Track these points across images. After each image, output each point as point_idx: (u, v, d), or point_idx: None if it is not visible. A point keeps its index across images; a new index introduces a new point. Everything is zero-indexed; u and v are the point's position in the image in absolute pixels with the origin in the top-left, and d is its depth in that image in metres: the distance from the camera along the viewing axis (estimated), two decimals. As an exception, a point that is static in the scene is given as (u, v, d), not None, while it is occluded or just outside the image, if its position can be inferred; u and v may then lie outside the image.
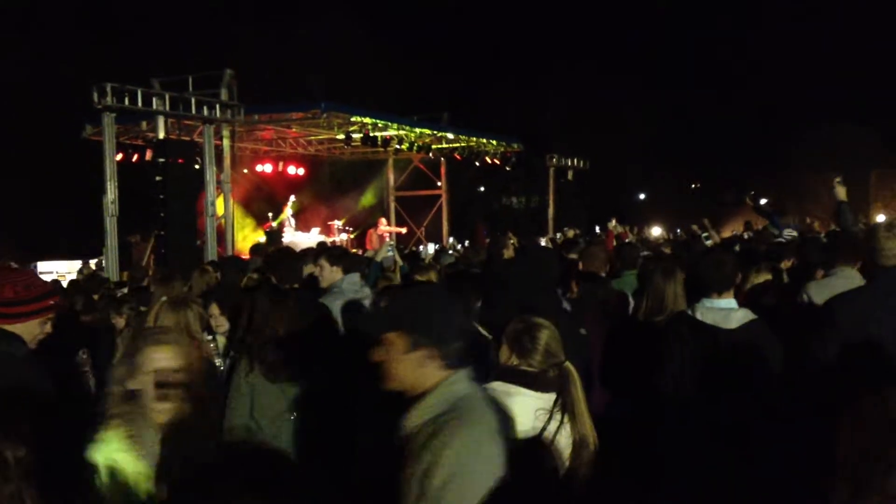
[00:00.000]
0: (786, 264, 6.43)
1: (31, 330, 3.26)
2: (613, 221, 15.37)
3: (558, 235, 15.38)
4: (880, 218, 21.01)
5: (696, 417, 3.76)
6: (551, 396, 3.17)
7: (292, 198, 21.67)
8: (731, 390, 3.67)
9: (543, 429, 3.12)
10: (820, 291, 4.66)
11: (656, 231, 24.85)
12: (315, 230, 21.66)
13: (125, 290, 8.52)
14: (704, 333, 3.84)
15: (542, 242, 14.40)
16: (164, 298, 4.63)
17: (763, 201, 11.08)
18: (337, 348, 4.44)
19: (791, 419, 3.50)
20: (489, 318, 4.47)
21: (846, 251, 4.85)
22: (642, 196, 38.65)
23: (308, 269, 6.39)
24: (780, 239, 9.25)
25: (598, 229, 18.77)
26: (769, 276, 5.54)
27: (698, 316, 3.88)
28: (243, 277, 6.74)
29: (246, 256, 16.45)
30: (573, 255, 6.96)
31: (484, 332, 4.30)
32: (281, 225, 20.67)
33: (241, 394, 3.96)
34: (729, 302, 3.87)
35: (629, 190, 36.83)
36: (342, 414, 3.88)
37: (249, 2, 29.55)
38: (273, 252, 7.04)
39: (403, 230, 24.36)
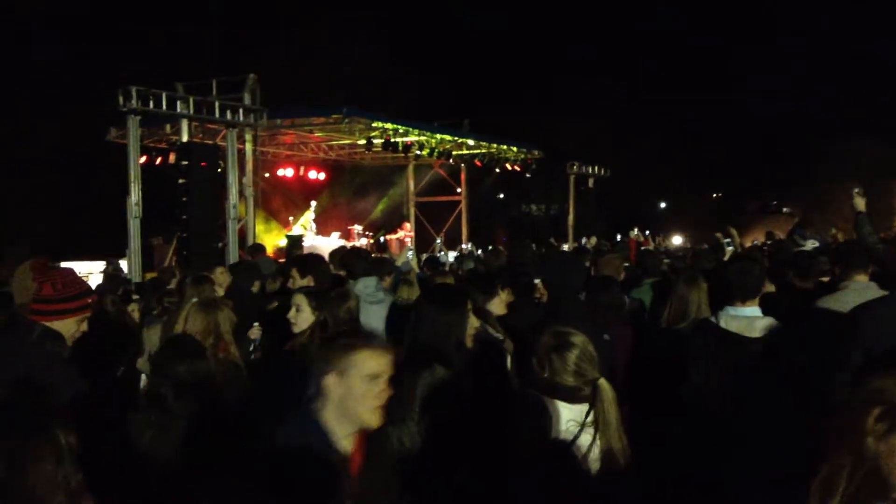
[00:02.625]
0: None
1: (68, 327, 3.31)
2: (635, 230, 15.34)
3: (583, 241, 15.32)
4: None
5: (721, 427, 3.73)
6: (583, 408, 3.16)
7: (313, 203, 21.77)
8: (757, 400, 3.64)
9: (574, 441, 3.12)
10: (832, 306, 4.58)
11: (677, 240, 24.72)
12: (335, 235, 21.72)
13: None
14: (730, 342, 3.80)
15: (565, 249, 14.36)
16: (194, 300, 4.65)
17: (785, 210, 10.95)
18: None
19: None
20: (513, 323, 4.46)
21: (857, 260, 4.74)
22: (663, 205, 38.46)
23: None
24: (802, 248, 9.16)
25: (619, 237, 18.69)
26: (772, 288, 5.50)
27: (722, 324, 3.85)
28: (258, 282, 6.75)
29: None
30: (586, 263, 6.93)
31: (498, 336, 4.28)
32: (304, 228, 20.76)
33: None
34: (754, 310, 3.83)
35: (650, 199, 36.65)
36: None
37: (273, 8, 29.74)
38: (304, 256, 7.04)
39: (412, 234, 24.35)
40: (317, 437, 2.41)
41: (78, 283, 3.48)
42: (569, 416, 3.13)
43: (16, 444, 1.77)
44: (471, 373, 3.51)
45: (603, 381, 3.18)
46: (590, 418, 3.13)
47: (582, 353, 3.25)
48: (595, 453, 3.11)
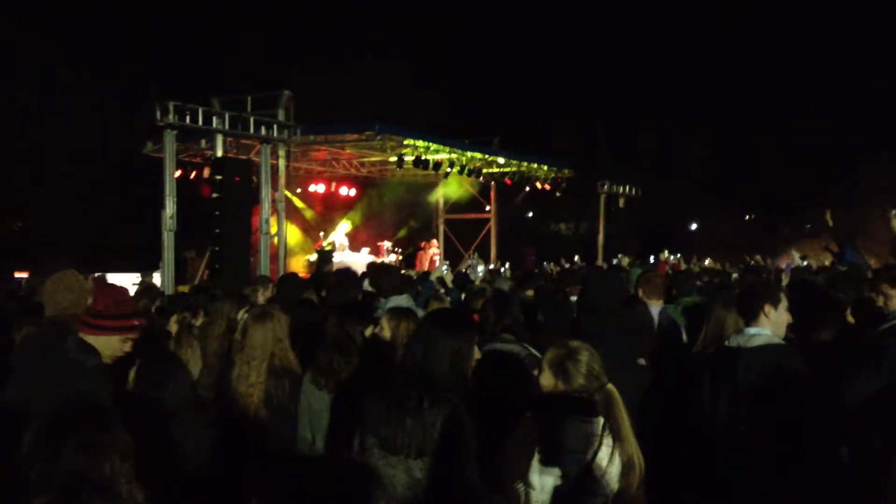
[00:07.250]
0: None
1: (111, 345, 3.35)
2: (665, 252, 15.31)
3: (614, 261, 15.31)
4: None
5: (721, 445, 3.75)
6: (599, 420, 3.17)
7: (346, 221, 22.00)
8: (745, 410, 3.66)
9: (595, 454, 3.12)
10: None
11: (707, 262, 24.47)
12: (365, 250, 21.86)
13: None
14: (728, 355, 3.85)
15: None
16: (245, 312, 4.69)
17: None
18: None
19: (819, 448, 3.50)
20: (543, 342, 4.44)
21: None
22: (694, 226, 38.12)
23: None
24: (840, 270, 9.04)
25: (652, 259, 18.59)
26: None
27: (727, 342, 3.92)
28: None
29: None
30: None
31: (536, 353, 4.28)
32: (332, 245, 20.92)
33: (302, 407, 4.07)
34: (759, 330, 3.83)
35: (681, 219, 36.36)
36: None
37: (307, 25, 30.08)
38: (327, 273, 7.10)
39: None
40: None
41: (130, 303, 3.56)
42: (585, 430, 3.13)
43: (92, 438, 2.13)
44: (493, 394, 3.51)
45: (612, 387, 3.20)
46: (607, 431, 3.14)
47: (593, 357, 3.30)
48: (616, 466, 3.11)
